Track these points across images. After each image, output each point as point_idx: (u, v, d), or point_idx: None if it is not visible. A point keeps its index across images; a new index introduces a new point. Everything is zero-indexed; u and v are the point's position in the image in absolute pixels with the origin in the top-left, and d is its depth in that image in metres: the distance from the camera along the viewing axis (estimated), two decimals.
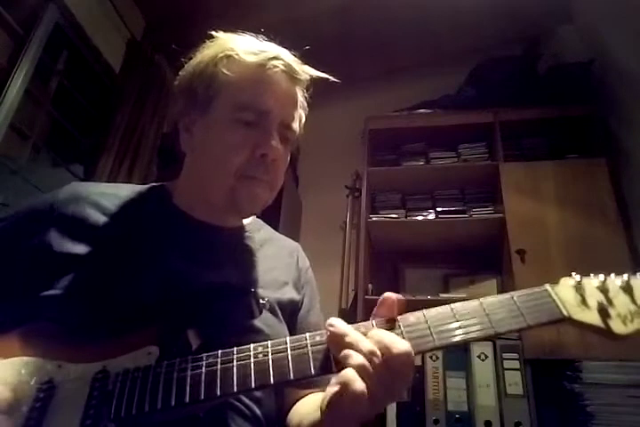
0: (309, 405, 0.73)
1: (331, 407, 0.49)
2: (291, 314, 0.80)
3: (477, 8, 2.35)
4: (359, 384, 0.47)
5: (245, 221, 0.86)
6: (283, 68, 0.73)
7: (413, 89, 2.67)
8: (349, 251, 2.45)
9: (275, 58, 0.73)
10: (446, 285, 2.27)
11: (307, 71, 0.78)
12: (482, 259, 2.24)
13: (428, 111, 2.43)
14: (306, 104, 0.82)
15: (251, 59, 0.73)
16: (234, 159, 0.72)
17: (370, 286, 2.13)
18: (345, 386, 0.47)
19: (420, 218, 2.25)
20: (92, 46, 2.19)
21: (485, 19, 2.41)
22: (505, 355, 1.70)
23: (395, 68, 2.78)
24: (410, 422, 1.68)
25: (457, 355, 1.75)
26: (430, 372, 1.73)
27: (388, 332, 0.52)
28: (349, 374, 0.47)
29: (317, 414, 0.59)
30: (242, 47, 0.75)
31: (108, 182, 2.04)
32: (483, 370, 1.69)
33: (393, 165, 2.39)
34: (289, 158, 0.80)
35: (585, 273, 0.58)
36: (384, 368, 0.48)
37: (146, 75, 2.41)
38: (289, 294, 0.81)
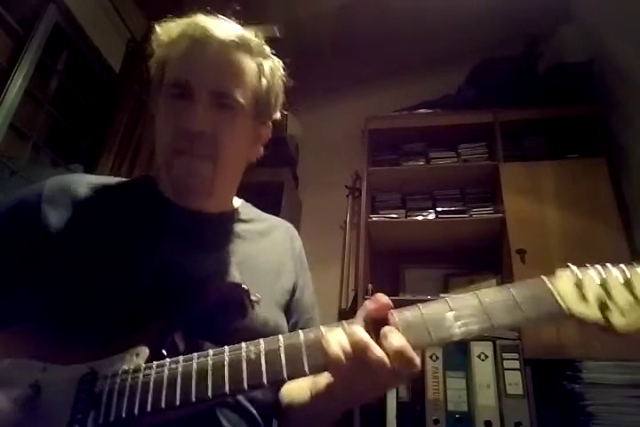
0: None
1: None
2: (289, 298, 0.79)
3: (477, 8, 2.35)
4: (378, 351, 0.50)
5: (235, 205, 0.84)
6: (201, 34, 0.71)
7: (413, 89, 2.67)
8: (349, 251, 2.45)
9: (192, 26, 0.72)
10: (446, 285, 2.27)
11: (236, 33, 0.73)
12: (482, 259, 2.24)
13: (428, 111, 2.43)
14: (259, 65, 0.75)
15: (173, 35, 0.73)
16: (165, 135, 0.72)
17: (370, 285, 2.13)
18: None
19: (420, 218, 2.25)
20: (92, 46, 2.19)
21: (485, 19, 2.40)
22: (505, 355, 1.70)
23: (394, 68, 2.77)
24: (410, 422, 1.68)
25: (457, 355, 1.75)
26: (430, 372, 1.73)
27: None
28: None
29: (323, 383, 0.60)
30: (170, 26, 0.75)
31: None
32: (483, 370, 1.69)
33: (393, 165, 2.38)
34: (244, 125, 0.75)
35: (582, 265, 0.56)
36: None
37: (147, 78, 2.40)
38: (285, 279, 0.80)
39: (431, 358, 1.75)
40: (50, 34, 1.93)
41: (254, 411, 0.67)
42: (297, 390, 0.71)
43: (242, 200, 0.87)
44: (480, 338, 1.72)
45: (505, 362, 1.69)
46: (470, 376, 1.70)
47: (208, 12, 0.75)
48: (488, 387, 1.65)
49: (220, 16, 0.75)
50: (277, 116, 0.82)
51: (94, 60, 2.24)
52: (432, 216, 2.24)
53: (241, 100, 0.72)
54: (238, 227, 0.79)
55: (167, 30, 0.74)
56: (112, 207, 0.73)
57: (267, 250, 0.80)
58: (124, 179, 0.81)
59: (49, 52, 1.95)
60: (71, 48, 2.12)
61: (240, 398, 0.65)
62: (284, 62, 0.80)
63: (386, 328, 0.52)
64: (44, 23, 1.90)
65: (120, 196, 0.76)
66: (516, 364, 1.68)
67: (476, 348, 1.72)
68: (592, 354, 1.59)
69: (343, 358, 0.50)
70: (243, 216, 0.82)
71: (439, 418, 1.65)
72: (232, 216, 0.80)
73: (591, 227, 1.87)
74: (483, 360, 1.70)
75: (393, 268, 2.41)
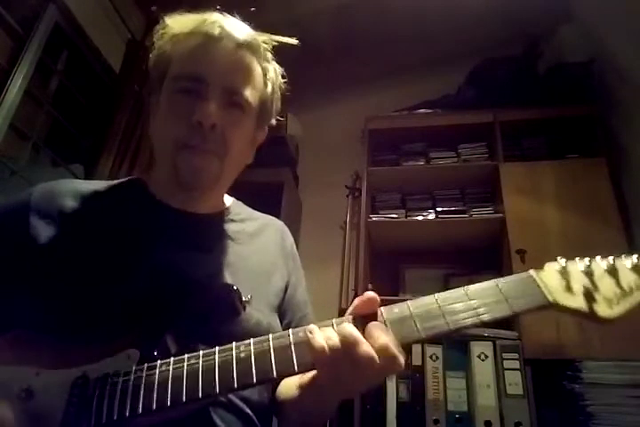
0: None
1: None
2: (282, 298, 0.79)
3: (477, 8, 2.35)
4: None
5: (227, 204, 0.84)
6: (217, 32, 0.71)
7: (413, 89, 2.67)
8: (349, 251, 2.45)
9: (208, 23, 0.72)
10: (446, 285, 2.27)
11: (250, 34, 0.74)
12: (482, 259, 2.24)
13: (428, 111, 2.43)
14: (265, 70, 0.77)
15: (186, 29, 0.73)
16: (172, 129, 0.71)
17: (370, 285, 2.13)
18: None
19: (420, 218, 2.25)
20: (92, 46, 2.19)
21: (485, 19, 2.41)
22: (505, 355, 1.70)
23: (395, 68, 2.78)
24: (410, 422, 1.68)
25: (457, 355, 1.74)
26: (430, 372, 1.73)
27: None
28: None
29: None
30: (182, 20, 0.74)
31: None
32: (483, 370, 1.69)
33: (393, 165, 2.38)
34: (249, 126, 0.76)
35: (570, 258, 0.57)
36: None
37: (146, 75, 2.41)
38: (277, 279, 0.80)
39: (431, 358, 1.75)
40: (50, 34, 1.93)
41: (249, 411, 0.67)
42: (286, 387, 0.72)
43: (233, 199, 0.87)
44: (480, 338, 1.72)
45: (505, 362, 1.69)
46: (470, 376, 1.70)
47: (219, 11, 0.75)
48: (488, 387, 1.65)
49: (230, 16, 0.75)
50: (274, 122, 0.84)
51: (94, 60, 2.24)
52: (432, 216, 2.24)
53: (250, 100, 0.74)
54: (230, 227, 0.79)
55: (178, 24, 0.74)
56: (103, 211, 0.72)
57: (258, 251, 0.80)
58: (111, 182, 0.80)
59: (49, 52, 1.95)
60: (71, 48, 2.12)
61: (233, 398, 0.65)
62: (282, 67, 0.82)
63: (371, 325, 0.52)
64: (44, 23, 1.90)
65: (111, 199, 0.75)
66: (516, 364, 1.68)
67: (476, 348, 1.72)
68: (592, 354, 1.59)
69: (327, 350, 0.50)
70: (234, 216, 0.82)
71: (439, 418, 1.64)
72: (224, 216, 0.80)
73: (591, 227, 1.87)
74: (483, 360, 1.70)
75: (393, 268, 2.41)
